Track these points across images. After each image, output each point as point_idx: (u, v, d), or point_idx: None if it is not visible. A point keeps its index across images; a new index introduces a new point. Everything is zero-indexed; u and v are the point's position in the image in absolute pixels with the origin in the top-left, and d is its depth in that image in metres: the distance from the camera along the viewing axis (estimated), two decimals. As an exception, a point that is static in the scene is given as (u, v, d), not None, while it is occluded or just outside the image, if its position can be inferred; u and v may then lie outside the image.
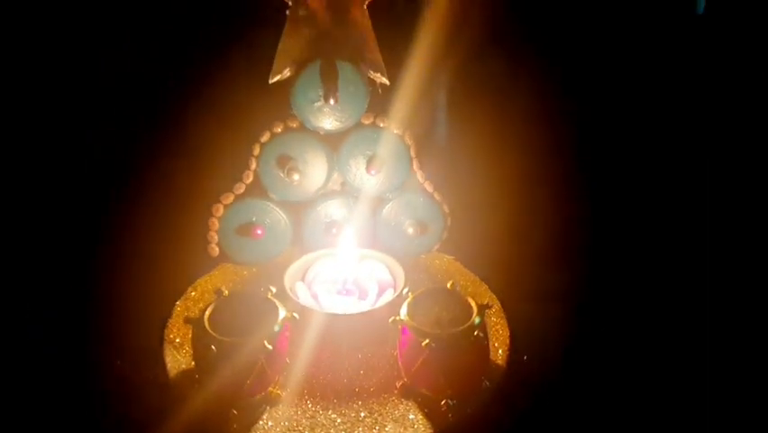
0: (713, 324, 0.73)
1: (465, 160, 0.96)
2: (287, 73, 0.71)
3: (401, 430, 0.56)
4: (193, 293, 0.74)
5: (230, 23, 0.86)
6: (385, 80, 0.73)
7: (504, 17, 0.94)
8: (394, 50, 0.73)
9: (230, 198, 0.75)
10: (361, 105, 0.73)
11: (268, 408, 0.58)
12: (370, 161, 0.75)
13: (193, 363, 0.61)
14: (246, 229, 0.76)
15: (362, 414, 0.57)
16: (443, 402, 0.58)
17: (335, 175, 0.78)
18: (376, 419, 0.57)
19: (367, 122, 0.74)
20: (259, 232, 0.75)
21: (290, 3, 0.68)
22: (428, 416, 0.57)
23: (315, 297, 0.68)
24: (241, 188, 0.75)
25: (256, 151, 0.74)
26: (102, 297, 0.73)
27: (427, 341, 0.55)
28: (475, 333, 0.57)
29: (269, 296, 0.60)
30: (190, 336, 0.65)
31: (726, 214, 0.92)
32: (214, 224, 0.76)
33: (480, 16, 0.91)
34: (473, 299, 0.59)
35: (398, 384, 0.60)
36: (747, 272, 0.81)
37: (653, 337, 0.72)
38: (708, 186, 0.97)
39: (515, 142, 0.98)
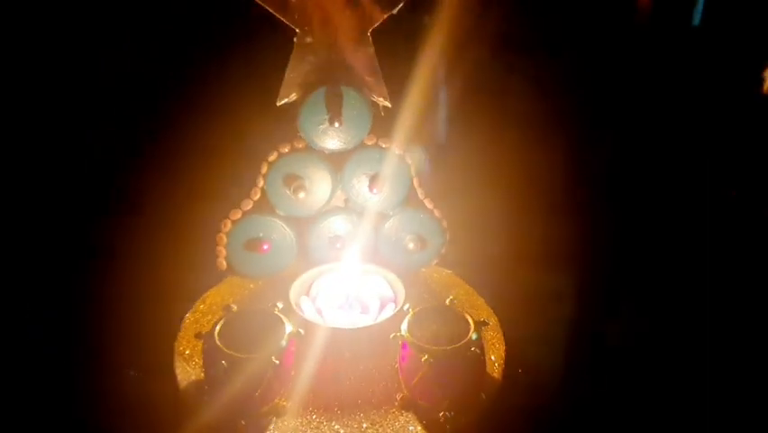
0: (712, 328, 0.73)
1: (463, 177, 0.98)
2: (293, 97, 0.74)
3: (401, 441, 0.59)
4: (201, 306, 0.77)
5: (239, 50, 0.88)
6: (387, 104, 0.75)
7: (504, 40, 0.96)
8: (395, 76, 0.75)
9: (238, 214, 0.77)
10: (364, 128, 0.75)
11: (275, 418, 0.60)
12: (372, 180, 0.77)
13: (203, 374, 0.63)
14: (253, 244, 0.78)
15: (364, 425, 0.60)
16: (441, 414, 0.60)
17: (339, 193, 0.80)
18: (377, 429, 0.59)
19: (369, 143, 0.77)
20: (265, 247, 0.78)
21: (297, 31, 0.71)
22: (427, 427, 0.60)
23: (319, 311, 0.71)
24: (248, 205, 0.78)
25: (264, 169, 0.76)
26: (112, 308, 0.75)
27: (426, 357, 0.58)
28: (472, 348, 0.59)
29: (276, 311, 0.63)
30: (200, 348, 0.67)
31: (724, 218, 0.93)
32: (223, 239, 0.78)
33: (479, 39, 0.93)
34: (471, 314, 0.62)
35: (399, 397, 0.62)
36: (746, 276, 0.82)
37: (651, 347, 0.73)
38: (706, 190, 0.98)
39: (513, 159, 1.00)
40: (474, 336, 0.59)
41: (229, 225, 0.78)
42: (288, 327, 0.61)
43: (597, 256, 0.90)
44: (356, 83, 0.74)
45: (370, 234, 0.81)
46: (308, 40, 0.71)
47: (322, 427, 0.60)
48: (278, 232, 0.79)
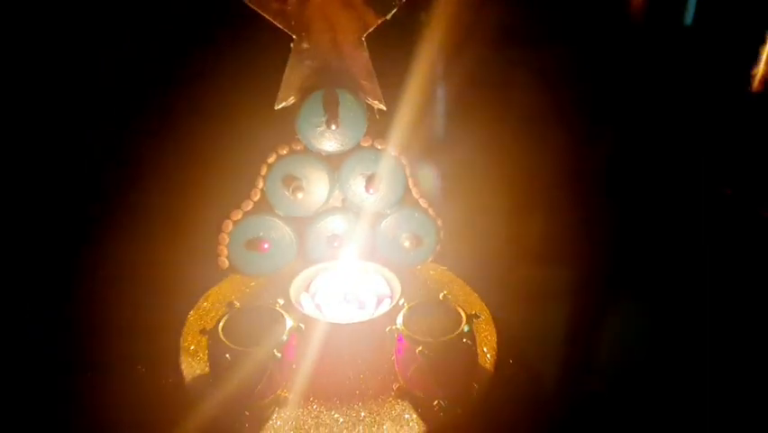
0: (709, 325, 0.75)
1: (461, 172, 1.00)
2: (291, 100, 0.76)
3: (398, 429, 0.61)
4: (205, 304, 0.79)
5: (242, 58, 0.90)
6: (382, 106, 0.78)
7: (504, 34, 0.97)
8: (390, 79, 0.78)
9: (239, 215, 0.80)
10: (360, 130, 0.78)
11: (277, 409, 0.63)
12: (368, 180, 0.80)
13: (207, 368, 0.66)
14: (254, 243, 0.80)
15: (362, 414, 0.63)
16: (435, 403, 0.62)
17: (337, 193, 0.82)
18: (375, 418, 0.62)
19: (366, 144, 0.79)
20: (266, 246, 0.80)
21: (294, 36, 0.74)
22: (422, 415, 0.62)
23: (318, 307, 0.74)
24: (249, 206, 0.80)
25: (263, 171, 0.79)
26: (119, 307, 0.77)
27: (421, 348, 0.60)
28: (464, 340, 0.62)
29: (277, 307, 0.66)
30: (204, 343, 0.70)
31: (720, 216, 0.94)
32: (224, 238, 0.80)
33: (479, 34, 0.94)
34: (463, 308, 0.65)
35: (395, 387, 0.65)
36: (743, 272, 0.83)
37: (647, 342, 0.75)
38: (702, 188, 0.99)
39: (512, 154, 1.02)
40: (466, 328, 0.62)
41: (230, 225, 0.80)
42: (289, 322, 0.64)
43: (594, 252, 0.92)
44: (352, 86, 0.76)
45: (367, 233, 0.83)
46: (305, 45, 0.74)
47: (322, 416, 0.63)
48: (278, 231, 0.81)
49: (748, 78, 1.06)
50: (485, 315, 0.76)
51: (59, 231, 0.91)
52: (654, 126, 1.08)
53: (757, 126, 1.03)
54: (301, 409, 0.63)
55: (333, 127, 0.75)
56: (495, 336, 0.73)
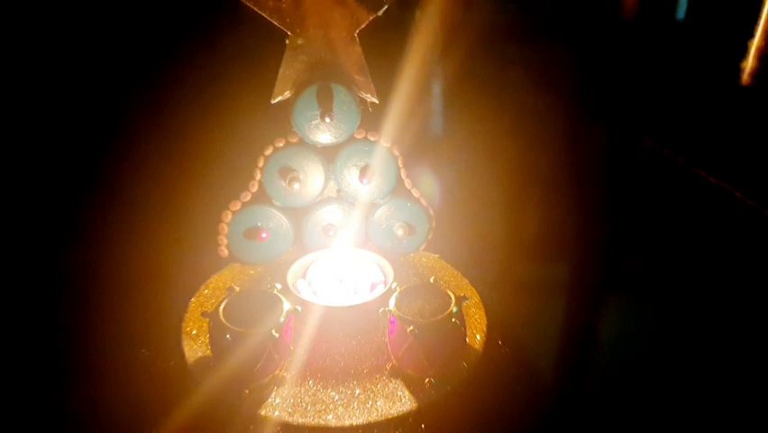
0: (706, 322, 0.76)
1: (448, 166, 1.03)
2: (287, 95, 0.79)
3: (391, 405, 0.64)
4: (206, 291, 0.82)
5: (239, 52, 0.93)
6: (375, 100, 0.81)
7: (496, 30, 0.99)
8: (382, 72, 0.81)
9: (237, 206, 0.83)
10: (354, 122, 0.80)
11: (275, 388, 0.65)
12: (362, 171, 0.82)
13: (209, 351, 0.69)
14: (252, 233, 0.83)
15: (357, 391, 0.66)
16: (426, 381, 0.65)
17: (331, 184, 0.85)
18: (369, 395, 0.65)
19: (359, 136, 0.82)
20: (263, 235, 0.83)
21: (289, 33, 0.77)
22: (414, 393, 0.65)
23: (314, 292, 0.77)
24: (247, 197, 0.83)
25: (260, 163, 0.82)
26: (124, 295, 0.80)
27: (412, 328, 0.63)
28: (453, 321, 0.65)
29: (275, 292, 0.69)
30: (206, 328, 0.73)
31: (716, 214, 0.95)
32: (224, 228, 0.83)
33: (470, 30, 0.97)
34: (453, 291, 0.68)
35: (388, 366, 0.68)
36: (741, 270, 0.85)
37: (641, 336, 0.76)
38: (697, 184, 1.00)
39: (501, 148, 1.04)
40: (455, 310, 0.65)
41: (229, 215, 0.83)
42: (287, 305, 0.67)
43: (586, 244, 0.94)
44: (345, 81, 0.79)
45: (361, 222, 0.86)
46: (300, 42, 0.77)
47: (319, 394, 0.65)
48: (276, 221, 0.84)
49: (738, 71, 1.08)
50: (475, 298, 0.79)
51: (65, 224, 0.93)
52: (650, 121, 1.10)
53: (747, 119, 1.05)
54: (298, 388, 0.66)
55: (328, 120, 0.77)
56: (484, 318, 0.76)
